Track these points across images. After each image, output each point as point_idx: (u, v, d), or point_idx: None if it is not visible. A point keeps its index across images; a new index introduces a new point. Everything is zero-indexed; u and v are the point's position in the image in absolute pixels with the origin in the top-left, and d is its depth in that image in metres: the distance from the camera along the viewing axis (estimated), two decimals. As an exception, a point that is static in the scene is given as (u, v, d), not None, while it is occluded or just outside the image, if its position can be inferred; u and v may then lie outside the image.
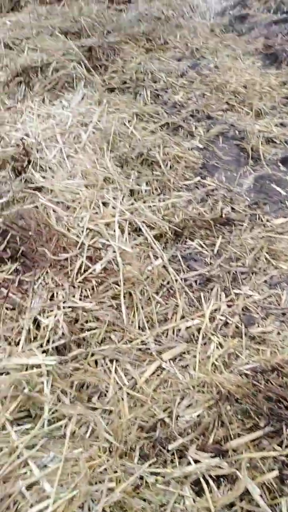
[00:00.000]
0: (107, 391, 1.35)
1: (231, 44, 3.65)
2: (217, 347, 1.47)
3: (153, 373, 1.42)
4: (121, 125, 2.47)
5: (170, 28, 3.81)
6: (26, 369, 1.29)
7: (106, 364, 1.42)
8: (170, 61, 3.26)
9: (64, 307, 1.50)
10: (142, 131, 2.46)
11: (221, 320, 1.57)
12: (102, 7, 4.19)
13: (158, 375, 1.41)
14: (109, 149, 2.28)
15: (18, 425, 1.20)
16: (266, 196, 2.11)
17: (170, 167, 2.28)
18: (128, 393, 1.34)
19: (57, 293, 1.55)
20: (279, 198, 2.11)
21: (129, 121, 2.53)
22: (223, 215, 1.99)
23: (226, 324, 1.57)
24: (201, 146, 2.45)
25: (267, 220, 1.98)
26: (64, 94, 2.71)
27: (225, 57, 3.37)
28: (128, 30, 3.60)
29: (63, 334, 1.43)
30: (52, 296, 1.55)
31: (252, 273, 1.74)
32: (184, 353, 1.48)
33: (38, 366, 1.32)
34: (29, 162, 2.14)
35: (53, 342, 1.40)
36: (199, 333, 1.52)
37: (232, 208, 2.05)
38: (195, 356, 1.45)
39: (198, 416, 1.28)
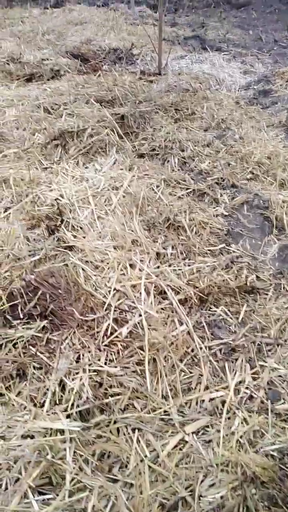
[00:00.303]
0: (128, 462, 1.34)
1: (255, 116, 3.91)
2: (241, 423, 1.46)
3: (176, 446, 1.41)
4: (150, 190, 2.62)
5: (198, 99, 4.12)
6: (50, 434, 1.30)
7: (129, 433, 1.42)
8: (197, 131, 3.50)
9: (89, 370, 1.53)
10: (169, 197, 2.61)
11: (245, 393, 1.58)
12: (134, 78, 4.59)
13: (180, 449, 1.40)
14: (137, 212, 2.41)
15: (39, 493, 1.19)
16: (290, 267, 2.17)
17: (196, 232, 2.38)
18: (149, 466, 1.33)
19: (83, 355, 1.59)
20: (303, 268, 2.17)
21: (157, 187, 2.69)
22: (248, 283, 2.04)
23: (251, 397, 1.57)
24: (226, 213, 2.56)
25: (292, 291, 2.02)
26: (97, 158, 2.92)
27: (249, 128, 3.59)
28: (158, 101, 3.91)
29: (87, 398, 1.45)
30: (79, 357, 1.59)
31: (278, 345, 1.75)
32: (207, 426, 1.48)
33: (62, 431, 1.33)
34: (62, 221, 2.27)
35: (78, 406, 1.42)
36: (223, 406, 1.52)
37: (257, 277, 2.11)
38: (219, 431, 1.44)
39: (221, 497, 1.25)
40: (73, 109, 3.54)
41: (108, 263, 2.07)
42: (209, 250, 2.28)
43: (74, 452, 1.30)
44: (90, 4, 9.96)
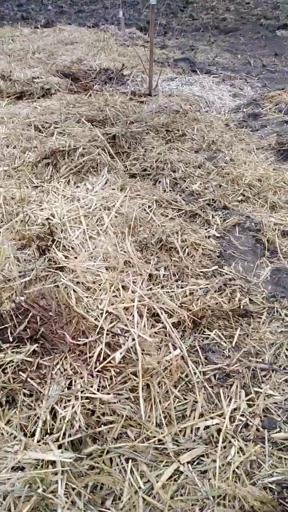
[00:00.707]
0: (121, 494, 1.31)
1: (245, 139, 4.01)
2: (237, 452, 1.45)
3: (171, 476, 1.38)
4: (142, 211, 2.65)
5: (188, 121, 4.21)
6: (42, 466, 1.26)
7: (122, 464, 1.39)
8: (188, 152, 3.57)
9: (82, 398, 1.50)
10: (161, 217, 2.63)
11: (241, 421, 1.57)
12: (125, 99, 4.68)
13: (175, 480, 1.38)
14: (130, 233, 2.43)
15: (29, 531, 1.15)
16: (283, 290, 2.20)
17: (188, 253, 2.40)
18: (144, 499, 1.30)
19: (75, 381, 1.56)
20: (295, 291, 2.20)
21: (149, 207, 2.71)
22: (241, 306, 2.06)
23: (246, 425, 1.56)
24: (218, 234, 2.60)
25: (286, 315, 2.04)
26: (89, 178, 2.94)
27: (239, 150, 3.68)
28: (149, 121, 3.99)
29: (79, 427, 1.42)
30: (70, 384, 1.56)
31: (273, 371, 1.76)
32: (203, 456, 1.46)
33: (53, 462, 1.29)
34: (53, 241, 2.27)
35: (69, 436, 1.39)
36: (218, 434, 1.51)
37: (250, 300, 2.12)
38: (214, 461, 1.43)
39: (219, 532, 1.23)
40: (64, 128, 3.58)
41: (100, 285, 2.06)
42: (201, 272, 2.29)
43: (66, 484, 1.26)
44: (80, 24, 10.21)
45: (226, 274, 2.29)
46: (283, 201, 2.94)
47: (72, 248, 2.26)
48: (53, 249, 2.23)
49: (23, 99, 4.61)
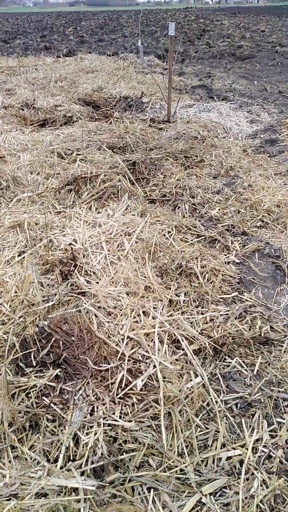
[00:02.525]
0: (144, 526, 1.31)
1: (263, 164, 4.08)
2: (261, 485, 1.43)
3: (193, 508, 1.38)
4: (161, 236, 2.70)
5: (206, 147, 4.31)
6: (65, 493, 1.28)
7: (144, 493, 1.39)
8: (206, 177, 3.64)
9: (104, 424, 1.52)
10: (181, 243, 2.68)
11: (263, 452, 1.55)
12: (145, 126, 4.82)
13: (198, 512, 1.37)
14: (150, 258, 2.47)
15: None
16: (304, 318, 2.20)
17: (208, 279, 2.43)
18: (166, 531, 1.30)
19: (97, 408, 1.58)
20: None
21: (168, 233, 2.76)
22: (262, 334, 2.06)
23: (269, 457, 1.54)
24: (237, 260, 2.62)
25: (307, 344, 2.03)
26: (110, 204, 3.03)
27: (257, 176, 3.74)
28: (168, 148, 4.09)
29: (102, 454, 1.43)
30: (93, 410, 1.58)
31: (295, 401, 1.75)
32: (225, 487, 1.45)
33: (76, 489, 1.31)
34: (75, 266, 2.33)
35: (92, 463, 1.40)
36: (241, 465, 1.50)
37: (271, 327, 2.12)
38: (237, 493, 1.41)
39: None
40: (86, 155, 3.71)
41: (121, 310, 2.10)
42: (221, 298, 2.31)
43: (89, 513, 1.27)
44: (100, 53, 10.62)
45: (246, 300, 2.30)
46: (303, 227, 2.96)
47: (94, 273, 2.32)
48: (76, 274, 2.28)
49: (46, 126, 4.80)
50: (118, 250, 2.53)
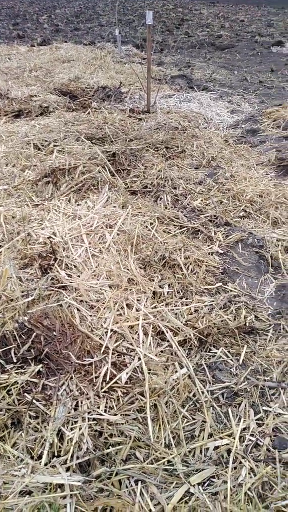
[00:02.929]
0: (132, 519, 1.31)
1: (245, 155, 4.12)
2: (248, 473, 1.46)
3: (181, 498, 1.39)
4: (144, 228, 2.70)
5: (187, 137, 4.32)
6: (50, 490, 1.27)
7: (131, 485, 1.40)
8: (188, 168, 3.65)
9: (89, 419, 1.52)
10: (163, 234, 2.69)
11: (251, 440, 1.58)
12: (124, 116, 4.80)
13: (186, 502, 1.38)
14: (132, 251, 2.47)
15: None
16: (288, 306, 2.24)
17: (192, 270, 2.44)
18: (155, 523, 1.31)
19: (81, 402, 1.58)
20: (301, 308, 2.23)
21: (151, 224, 2.77)
22: (247, 324, 2.09)
23: (256, 445, 1.57)
24: (221, 251, 2.65)
25: (292, 332, 2.07)
26: (89, 196, 3.00)
27: (239, 166, 3.77)
28: (149, 139, 4.09)
29: (87, 449, 1.43)
30: (77, 405, 1.57)
31: (281, 389, 1.78)
32: (213, 477, 1.47)
33: (61, 485, 1.30)
34: (55, 260, 2.31)
35: (77, 458, 1.40)
36: (228, 455, 1.52)
37: (256, 317, 2.16)
38: (225, 482, 1.44)
39: None
40: (63, 146, 3.67)
41: (104, 303, 2.09)
42: (205, 288, 2.33)
43: (75, 508, 1.27)
44: (76, 42, 10.49)
45: (231, 290, 2.33)
46: (285, 217, 3.01)
47: (75, 266, 2.30)
48: (56, 267, 2.26)
49: (21, 117, 4.72)
50: (99, 243, 2.52)
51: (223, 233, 2.82)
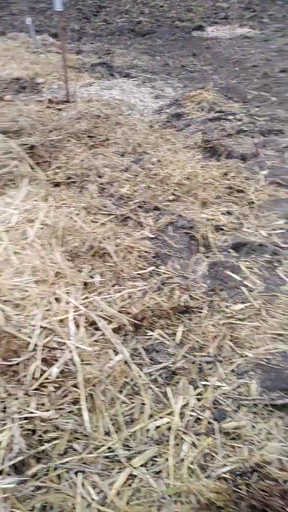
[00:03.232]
0: (74, 509, 1.33)
1: (171, 139, 4.25)
2: (190, 448, 1.53)
3: (124, 482, 1.43)
4: (69, 220, 2.71)
5: (111, 125, 4.38)
6: (-20, 495, 1.25)
7: (71, 478, 1.41)
8: (113, 156, 3.70)
9: (19, 419, 1.51)
10: (91, 224, 2.71)
11: (191, 416, 1.65)
12: (42, 107, 4.76)
13: (129, 485, 1.43)
14: (58, 243, 2.47)
15: None
16: (221, 283, 2.36)
17: (123, 257, 2.49)
18: (98, 510, 1.33)
19: (9, 404, 1.56)
20: (234, 283, 2.36)
21: (77, 215, 2.78)
22: (182, 303, 2.18)
23: (197, 420, 1.65)
24: (151, 235, 2.72)
25: (226, 306, 2.19)
26: (7, 192, 2.95)
27: (166, 151, 3.89)
28: (70, 129, 4.09)
29: (20, 449, 1.43)
30: (4, 408, 1.56)
31: (218, 362, 1.88)
32: (155, 456, 1.52)
33: (-7, 490, 1.29)
34: (-27, 261, 2.25)
35: (9, 460, 1.39)
36: (170, 432, 1.58)
37: (190, 296, 2.25)
38: (168, 460, 1.49)
39: (178, 528, 1.29)
40: (-25, 141, 3.56)
41: (30, 300, 2.07)
42: (138, 274, 2.39)
43: (11, 511, 1.26)
44: (-15, 33, 10.17)
45: (164, 273, 2.41)
46: (213, 197, 3.16)
47: (-4, 265, 2.26)
48: (-26, 269, 2.21)
49: None
50: (21, 239, 2.49)
51: (153, 218, 2.91)
